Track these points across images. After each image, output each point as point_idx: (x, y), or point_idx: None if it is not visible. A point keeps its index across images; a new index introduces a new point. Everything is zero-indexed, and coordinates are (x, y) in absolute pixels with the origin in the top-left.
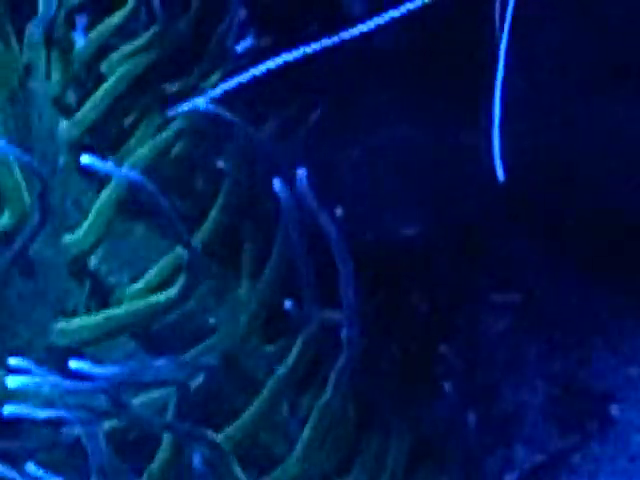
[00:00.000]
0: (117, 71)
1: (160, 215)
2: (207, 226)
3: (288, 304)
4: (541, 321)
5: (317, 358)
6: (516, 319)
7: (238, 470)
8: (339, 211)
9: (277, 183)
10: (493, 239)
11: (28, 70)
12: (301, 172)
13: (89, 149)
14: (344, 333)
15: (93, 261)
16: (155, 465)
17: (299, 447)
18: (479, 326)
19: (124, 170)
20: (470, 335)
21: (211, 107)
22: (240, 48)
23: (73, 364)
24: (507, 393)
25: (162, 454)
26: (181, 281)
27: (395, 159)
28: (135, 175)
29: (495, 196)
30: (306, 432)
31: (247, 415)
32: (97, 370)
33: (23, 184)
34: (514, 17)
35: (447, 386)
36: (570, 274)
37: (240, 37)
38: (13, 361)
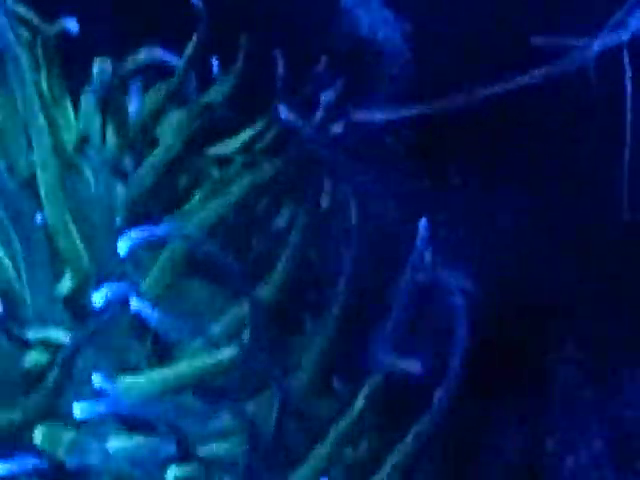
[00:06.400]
0: (171, 135)
1: (222, 272)
2: (271, 283)
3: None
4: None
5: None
6: (571, 356)
7: None
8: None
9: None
10: None
11: (84, 137)
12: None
13: (145, 212)
14: (438, 393)
15: None
16: None
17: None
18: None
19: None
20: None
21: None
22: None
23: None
24: (562, 434)
25: None
26: (244, 339)
27: None
28: (197, 233)
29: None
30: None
31: (311, 460)
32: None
33: (82, 246)
34: None
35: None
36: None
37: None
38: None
